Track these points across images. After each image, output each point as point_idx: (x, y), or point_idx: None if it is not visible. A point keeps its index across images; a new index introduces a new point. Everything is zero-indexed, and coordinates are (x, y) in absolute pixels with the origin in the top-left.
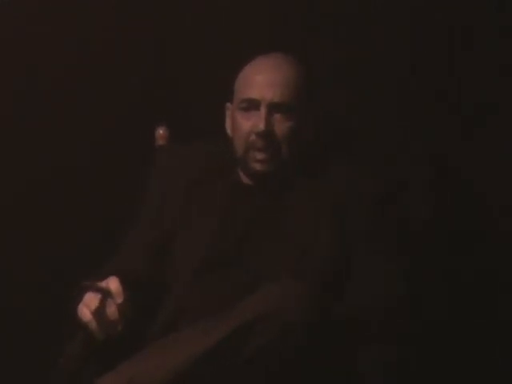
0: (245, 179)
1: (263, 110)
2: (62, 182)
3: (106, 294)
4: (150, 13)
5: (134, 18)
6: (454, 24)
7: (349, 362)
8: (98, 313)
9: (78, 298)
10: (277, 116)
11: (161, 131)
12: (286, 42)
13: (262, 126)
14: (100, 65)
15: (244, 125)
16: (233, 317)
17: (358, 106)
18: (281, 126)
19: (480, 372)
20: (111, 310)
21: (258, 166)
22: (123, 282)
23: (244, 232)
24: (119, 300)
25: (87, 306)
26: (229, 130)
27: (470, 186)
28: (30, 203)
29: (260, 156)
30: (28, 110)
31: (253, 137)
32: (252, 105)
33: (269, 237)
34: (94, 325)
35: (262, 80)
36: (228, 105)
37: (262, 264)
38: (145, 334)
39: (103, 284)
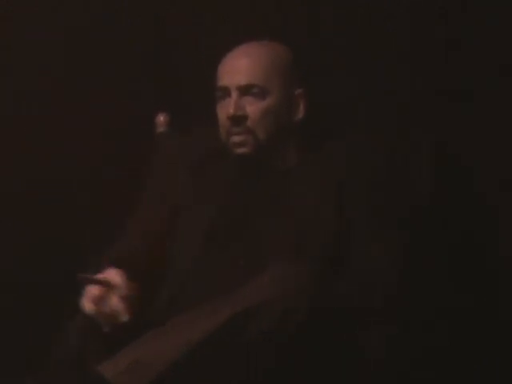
0: (233, 164)
1: (233, 95)
2: (60, 168)
3: (106, 286)
4: (141, 19)
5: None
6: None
7: (350, 345)
8: (101, 304)
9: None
10: (248, 98)
11: (161, 118)
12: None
13: (231, 111)
14: (100, 50)
15: (221, 113)
16: (235, 301)
17: (358, 88)
18: (253, 107)
19: (478, 353)
20: (114, 302)
21: (237, 150)
22: (126, 271)
23: (244, 214)
24: (124, 292)
25: (89, 299)
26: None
27: (469, 170)
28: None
29: (237, 139)
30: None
31: (228, 122)
32: (225, 93)
33: (268, 217)
34: (98, 317)
35: (229, 67)
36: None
37: (262, 245)
38: (145, 317)
39: (101, 276)
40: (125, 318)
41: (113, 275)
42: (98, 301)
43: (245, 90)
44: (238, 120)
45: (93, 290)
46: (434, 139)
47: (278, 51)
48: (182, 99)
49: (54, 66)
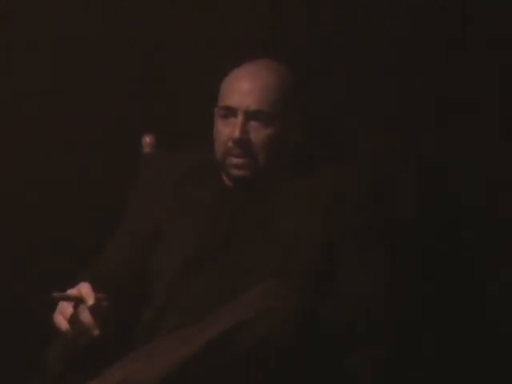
0: (227, 183)
1: (240, 118)
2: (50, 186)
3: (78, 301)
4: (141, 19)
5: (126, 23)
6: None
7: (337, 361)
8: (73, 319)
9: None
10: (254, 124)
11: (147, 139)
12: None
13: (237, 134)
14: (100, 50)
15: (223, 131)
16: (219, 322)
17: (346, 107)
18: (258, 133)
19: (468, 371)
20: (85, 315)
21: (234, 171)
22: (102, 285)
23: (228, 232)
24: (90, 302)
25: (62, 314)
26: (214, 135)
27: (456, 185)
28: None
29: (236, 161)
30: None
31: (230, 143)
32: (230, 112)
33: (254, 237)
34: (70, 332)
35: (240, 88)
36: (215, 110)
37: (247, 263)
38: (129, 334)
39: (74, 291)
40: (95, 332)
41: (83, 288)
42: (71, 317)
43: (252, 115)
44: (241, 143)
45: (65, 306)
46: (422, 154)
47: (285, 77)
48: (170, 120)
49: (54, 66)
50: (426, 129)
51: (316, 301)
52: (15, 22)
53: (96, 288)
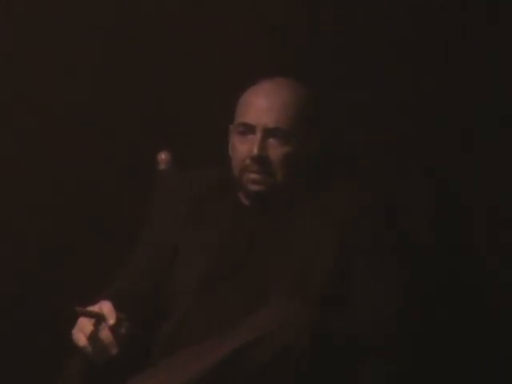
0: (244, 200)
1: (258, 135)
2: (65, 200)
3: (99, 318)
4: (141, 19)
5: (126, 23)
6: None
7: (349, 374)
8: (93, 337)
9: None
10: (272, 141)
11: (163, 156)
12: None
13: (255, 151)
14: (100, 51)
15: (240, 148)
16: (234, 337)
17: (346, 107)
18: (276, 151)
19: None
20: (105, 334)
21: (252, 187)
22: (121, 304)
23: (244, 250)
24: (111, 321)
25: (82, 331)
26: (230, 151)
27: (469, 200)
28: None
29: (254, 176)
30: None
31: (248, 160)
32: (248, 129)
33: (269, 254)
34: (89, 349)
35: (259, 105)
36: (231, 126)
37: (263, 279)
38: (147, 353)
39: (95, 308)
40: (114, 350)
41: (105, 306)
42: (91, 334)
43: (270, 133)
44: (260, 160)
45: (85, 323)
46: (435, 179)
47: (302, 94)
48: (185, 137)
49: (53, 67)
50: (427, 129)
51: (329, 314)
52: (15, 22)
53: (117, 306)
